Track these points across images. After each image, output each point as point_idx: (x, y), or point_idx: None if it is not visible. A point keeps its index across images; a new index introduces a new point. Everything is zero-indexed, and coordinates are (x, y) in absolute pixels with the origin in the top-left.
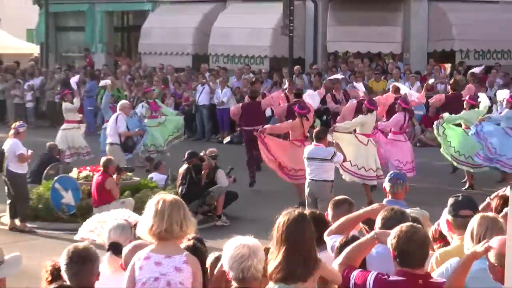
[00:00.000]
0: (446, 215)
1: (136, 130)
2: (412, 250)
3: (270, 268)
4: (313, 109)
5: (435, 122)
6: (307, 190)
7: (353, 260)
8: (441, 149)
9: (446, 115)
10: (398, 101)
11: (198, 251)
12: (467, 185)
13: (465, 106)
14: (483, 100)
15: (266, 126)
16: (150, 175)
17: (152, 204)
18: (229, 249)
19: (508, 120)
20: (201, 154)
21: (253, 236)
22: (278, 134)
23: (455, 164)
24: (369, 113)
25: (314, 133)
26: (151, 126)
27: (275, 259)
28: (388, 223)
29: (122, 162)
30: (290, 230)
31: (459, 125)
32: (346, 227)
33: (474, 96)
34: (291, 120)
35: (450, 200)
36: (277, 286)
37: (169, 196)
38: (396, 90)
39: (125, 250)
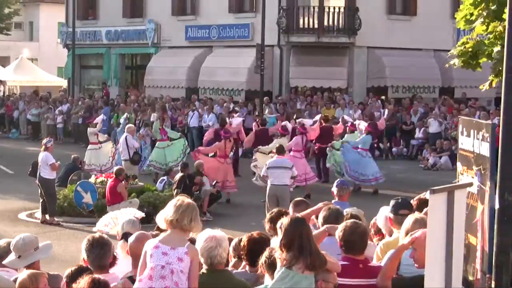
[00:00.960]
0: (386, 213)
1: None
2: (354, 240)
3: (282, 256)
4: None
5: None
6: (269, 192)
7: None
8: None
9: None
10: (299, 127)
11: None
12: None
13: (347, 131)
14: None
15: (200, 147)
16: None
17: (173, 201)
18: (200, 241)
19: (364, 143)
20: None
21: (222, 229)
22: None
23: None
24: (283, 137)
25: (276, 149)
26: (160, 148)
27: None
28: (328, 220)
29: (136, 172)
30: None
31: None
32: None
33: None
34: (217, 142)
35: (392, 202)
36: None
37: (187, 199)
38: (325, 120)
39: (130, 239)
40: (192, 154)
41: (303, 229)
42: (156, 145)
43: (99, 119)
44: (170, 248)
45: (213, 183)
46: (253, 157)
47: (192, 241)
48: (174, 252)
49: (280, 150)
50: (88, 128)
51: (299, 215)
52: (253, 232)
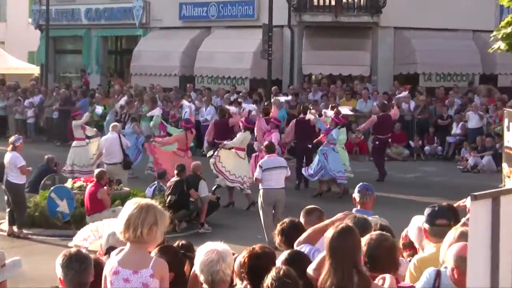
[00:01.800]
0: (418, 224)
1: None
2: (381, 256)
3: (320, 278)
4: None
5: None
6: (267, 197)
7: (312, 240)
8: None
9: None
10: (243, 121)
11: (189, 249)
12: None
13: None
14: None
15: (157, 138)
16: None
17: (125, 208)
18: (200, 254)
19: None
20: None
21: (224, 242)
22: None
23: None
24: (247, 130)
25: (267, 146)
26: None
27: (325, 270)
28: None
29: (126, 178)
30: (334, 242)
31: None
32: (314, 237)
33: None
34: (177, 134)
35: (427, 210)
36: None
37: (142, 200)
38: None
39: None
40: (146, 147)
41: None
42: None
43: (86, 116)
44: (132, 272)
45: (213, 188)
46: (215, 153)
47: (187, 247)
48: (137, 277)
49: (271, 148)
50: (73, 121)
51: (318, 226)
52: (255, 245)
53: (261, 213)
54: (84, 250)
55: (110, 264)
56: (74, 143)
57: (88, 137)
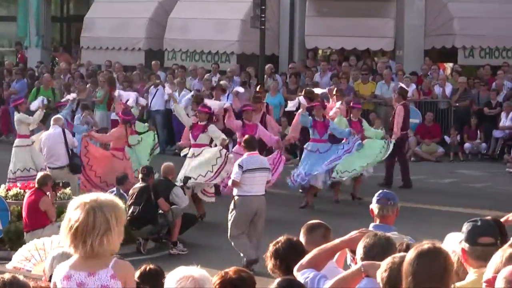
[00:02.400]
0: (455, 242)
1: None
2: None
3: None
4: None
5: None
6: (246, 206)
7: (317, 263)
8: None
9: None
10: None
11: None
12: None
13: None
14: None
15: (93, 132)
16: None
17: (67, 213)
18: (171, 283)
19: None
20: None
21: (202, 267)
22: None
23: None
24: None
25: (246, 142)
26: (133, 145)
27: None
28: (372, 252)
29: (76, 184)
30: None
31: None
32: (319, 260)
33: None
34: (115, 128)
35: (467, 225)
36: None
37: (85, 198)
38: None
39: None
40: (82, 139)
41: None
42: None
43: (37, 102)
44: (87, 274)
45: (184, 181)
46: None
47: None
48: (94, 279)
49: (251, 144)
50: (16, 114)
51: (325, 246)
52: (229, 269)
53: (231, 226)
54: (21, 277)
55: (60, 269)
56: (17, 141)
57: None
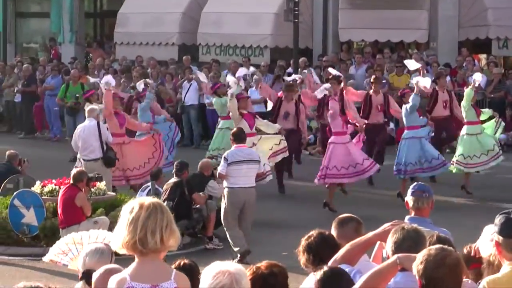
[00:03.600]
0: (491, 235)
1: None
2: (442, 277)
3: None
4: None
5: None
6: (234, 199)
7: (351, 259)
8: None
9: None
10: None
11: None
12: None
13: None
14: None
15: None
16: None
17: (126, 211)
18: (207, 278)
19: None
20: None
21: (237, 261)
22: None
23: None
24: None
25: (234, 134)
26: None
27: None
28: (403, 245)
29: (110, 179)
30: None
31: None
32: (352, 255)
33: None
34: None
35: (499, 218)
36: None
37: (147, 199)
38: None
39: (95, 276)
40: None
41: None
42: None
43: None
44: (150, 286)
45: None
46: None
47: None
48: None
49: (239, 136)
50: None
51: (358, 241)
52: (261, 263)
53: (223, 218)
54: (42, 285)
55: (118, 279)
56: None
57: None
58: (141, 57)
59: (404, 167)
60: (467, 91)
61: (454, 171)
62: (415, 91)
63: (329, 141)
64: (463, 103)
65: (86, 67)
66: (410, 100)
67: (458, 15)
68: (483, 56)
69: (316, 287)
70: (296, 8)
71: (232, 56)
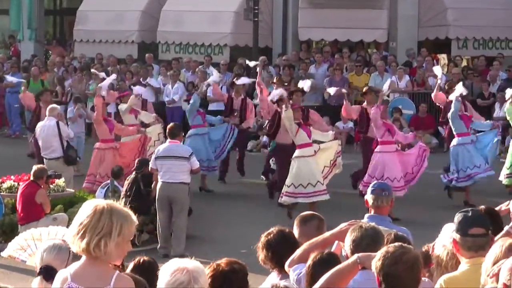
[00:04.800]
0: (448, 234)
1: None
2: (400, 274)
3: None
4: None
5: None
6: (159, 193)
7: (308, 258)
8: None
9: None
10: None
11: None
12: None
13: None
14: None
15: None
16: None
17: (80, 211)
18: (165, 275)
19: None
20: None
21: (196, 258)
22: None
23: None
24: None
25: (168, 129)
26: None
27: None
28: (362, 244)
29: (71, 176)
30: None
31: None
32: (310, 254)
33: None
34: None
35: (458, 216)
36: None
37: (102, 202)
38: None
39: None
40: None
41: None
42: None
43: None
44: None
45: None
46: None
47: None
48: None
49: (173, 132)
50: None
51: (315, 240)
52: (221, 260)
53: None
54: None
55: (62, 278)
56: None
57: (145, 125)
58: (101, 54)
59: (457, 174)
60: (508, 108)
61: (505, 183)
62: (454, 96)
63: (375, 150)
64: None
65: (45, 65)
66: (452, 106)
67: (417, 15)
68: (442, 56)
69: (307, 271)
70: (256, 7)
71: (192, 54)
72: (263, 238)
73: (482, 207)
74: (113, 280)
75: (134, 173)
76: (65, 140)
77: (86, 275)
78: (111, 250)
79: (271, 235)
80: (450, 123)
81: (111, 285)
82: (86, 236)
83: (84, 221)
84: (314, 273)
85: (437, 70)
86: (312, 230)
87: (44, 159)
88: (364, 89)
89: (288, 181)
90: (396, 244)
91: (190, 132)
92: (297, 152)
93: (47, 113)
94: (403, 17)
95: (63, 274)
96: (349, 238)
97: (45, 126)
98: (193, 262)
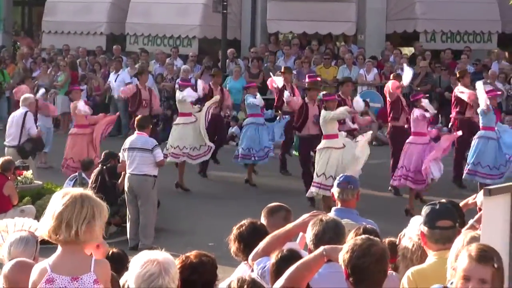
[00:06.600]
0: (416, 226)
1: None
2: (368, 267)
3: None
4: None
5: None
6: (126, 184)
7: (298, 283)
8: None
9: None
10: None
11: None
12: None
13: None
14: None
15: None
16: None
17: (53, 199)
18: (135, 267)
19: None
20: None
21: (166, 250)
22: None
23: None
24: None
25: (136, 121)
26: None
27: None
28: (325, 238)
29: (34, 167)
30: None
31: None
32: (273, 247)
33: None
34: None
35: (425, 209)
36: None
37: (75, 190)
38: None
39: (5, 268)
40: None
41: None
42: None
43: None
44: (70, 279)
45: None
46: None
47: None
48: (78, 284)
49: (141, 124)
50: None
51: (278, 232)
52: (190, 253)
53: None
54: None
55: (40, 269)
56: (179, 119)
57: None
58: (67, 45)
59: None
60: None
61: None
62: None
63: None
64: None
65: (14, 56)
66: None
67: (386, 8)
68: (410, 50)
69: (271, 270)
70: (225, 0)
71: (160, 46)
72: (235, 230)
73: (443, 200)
74: (92, 265)
75: (100, 165)
76: (27, 132)
77: (66, 264)
78: (97, 233)
79: (243, 227)
80: (480, 117)
81: (92, 270)
82: (73, 226)
83: (64, 211)
84: (278, 271)
85: (407, 71)
86: (279, 221)
87: (6, 147)
88: (343, 79)
89: (319, 170)
90: (363, 236)
91: (247, 120)
92: (324, 143)
93: (21, 102)
94: (372, 10)
95: (41, 266)
96: (310, 232)
97: (16, 115)
98: (164, 254)
